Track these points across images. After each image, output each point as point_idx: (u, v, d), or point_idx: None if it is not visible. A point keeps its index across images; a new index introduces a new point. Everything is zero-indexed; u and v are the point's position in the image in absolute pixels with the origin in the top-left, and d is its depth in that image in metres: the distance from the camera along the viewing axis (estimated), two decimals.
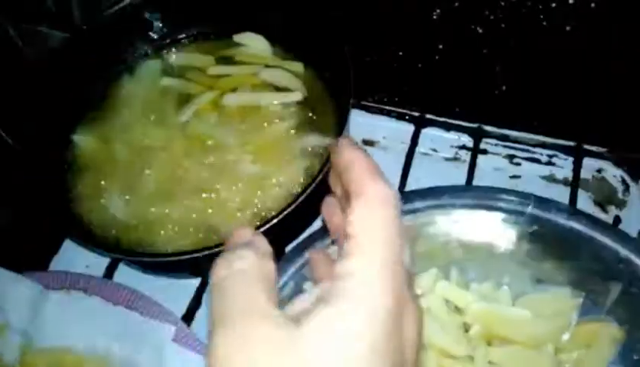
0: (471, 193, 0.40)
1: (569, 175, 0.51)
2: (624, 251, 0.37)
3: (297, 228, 0.48)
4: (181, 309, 0.49)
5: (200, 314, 0.49)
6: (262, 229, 0.42)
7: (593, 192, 0.51)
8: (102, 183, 0.52)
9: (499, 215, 0.40)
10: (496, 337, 0.39)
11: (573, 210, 0.38)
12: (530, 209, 0.39)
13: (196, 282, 0.50)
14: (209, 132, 0.53)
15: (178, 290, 0.50)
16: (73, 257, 0.54)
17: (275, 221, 0.42)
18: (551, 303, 0.40)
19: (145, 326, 0.45)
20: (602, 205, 0.50)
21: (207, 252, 0.42)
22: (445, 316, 0.40)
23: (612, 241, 0.37)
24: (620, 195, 0.51)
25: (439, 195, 0.41)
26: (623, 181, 0.51)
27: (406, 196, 0.41)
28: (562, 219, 0.38)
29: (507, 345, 0.39)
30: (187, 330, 0.45)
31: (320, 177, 0.44)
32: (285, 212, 0.42)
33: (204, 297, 0.49)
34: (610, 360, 0.38)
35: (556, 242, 0.39)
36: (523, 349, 0.38)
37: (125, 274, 0.51)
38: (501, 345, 0.39)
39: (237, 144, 0.52)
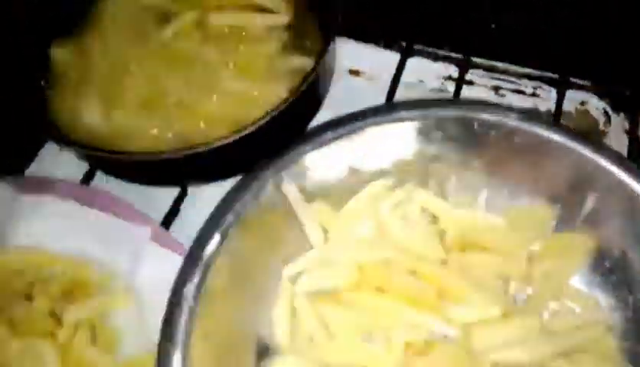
0: (455, 106, 0.41)
1: (552, 107, 0.51)
2: (602, 161, 0.37)
3: (275, 141, 0.48)
4: (158, 217, 0.49)
5: (178, 223, 0.49)
6: (236, 138, 0.42)
7: (575, 124, 0.51)
8: (80, 96, 0.51)
9: (479, 129, 0.40)
10: (470, 244, 0.40)
11: (553, 122, 0.39)
12: (511, 121, 0.39)
13: (174, 192, 0.50)
14: (191, 49, 0.52)
15: (156, 199, 0.50)
16: (49, 167, 0.54)
17: (248, 131, 0.42)
18: (527, 214, 0.40)
19: (121, 227, 0.45)
20: None
21: (185, 153, 0.42)
22: (421, 222, 0.40)
23: (590, 152, 0.38)
24: (601, 126, 0.51)
25: (425, 106, 0.41)
26: (605, 113, 0.52)
27: (393, 105, 0.41)
28: (542, 130, 0.38)
29: (481, 252, 0.40)
30: (164, 231, 0.45)
31: (298, 95, 0.43)
32: (260, 123, 0.42)
33: (182, 206, 0.50)
34: (581, 269, 0.39)
35: (536, 154, 0.39)
36: (496, 256, 0.39)
37: (103, 180, 0.51)
38: (474, 253, 0.40)
39: (220, 62, 0.51)
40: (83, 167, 0.52)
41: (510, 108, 0.39)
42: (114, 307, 0.43)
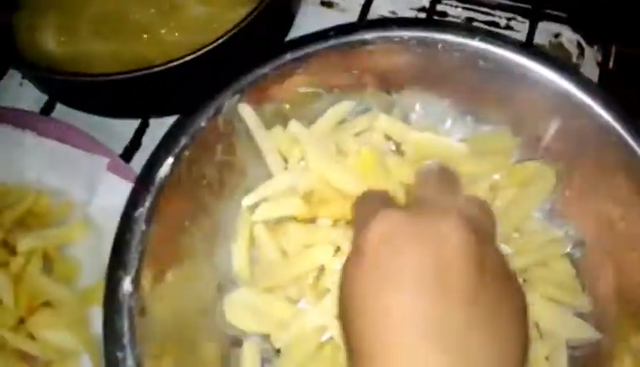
0: (419, 26, 0.39)
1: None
2: (566, 84, 0.36)
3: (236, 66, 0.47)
4: (118, 149, 0.47)
5: (139, 157, 0.47)
6: (194, 57, 0.41)
7: None
8: (40, 20, 0.49)
9: (443, 51, 0.39)
10: None
11: (519, 44, 0.37)
12: (476, 42, 0.38)
13: (135, 123, 0.49)
14: None
15: (118, 132, 0.48)
16: (10, 98, 0.52)
17: (206, 50, 0.41)
18: (490, 142, 0.40)
19: (77, 157, 0.44)
20: None
21: (142, 73, 0.40)
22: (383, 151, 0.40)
23: (556, 75, 0.36)
24: (575, 59, 0.50)
25: (387, 26, 0.39)
26: (579, 45, 0.50)
27: (354, 25, 0.39)
28: (508, 53, 0.37)
29: None
30: (122, 162, 0.44)
31: (257, 14, 0.43)
32: (218, 43, 0.41)
33: (144, 139, 0.48)
34: (543, 200, 0.39)
35: (500, 78, 0.38)
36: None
37: (63, 113, 0.49)
38: None
39: None
40: (44, 98, 0.51)
41: (475, 29, 0.38)
42: (71, 238, 0.42)
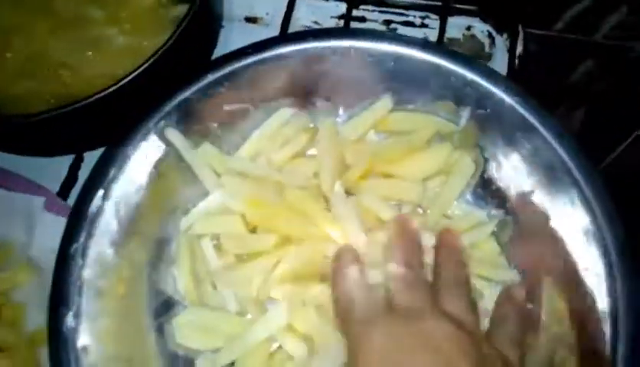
0: (332, 35, 0.41)
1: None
2: (471, 75, 0.38)
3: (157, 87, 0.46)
4: (54, 187, 0.47)
5: (76, 191, 0.47)
6: (111, 89, 0.41)
7: (464, 49, 0.53)
8: None
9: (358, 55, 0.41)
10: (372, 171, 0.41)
11: (424, 43, 0.40)
12: (386, 46, 0.40)
13: (69, 159, 0.49)
14: (73, 8, 0.50)
15: (52, 169, 0.48)
16: None
17: (127, 79, 0.41)
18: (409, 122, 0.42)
19: (12, 199, 0.44)
20: None
21: (69, 108, 0.40)
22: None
23: (460, 68, 0.39)
24: (487, 49, 0.53)
25: (304, 38, 0.40)
26: (490, 35, 0.53)
27: (272, 40, 0.41)
28: (414, 52, 0.39)
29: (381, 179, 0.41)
30: (58, 200, 0.44)
31: (172, 43, 0.43)
32: (135, 74, 0.41)
33: (80, 173, 0.48)
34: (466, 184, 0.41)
35: (411, 74, 0.40)
36: (395, 183, 0.40)
37: None
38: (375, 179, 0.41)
39: (104, 17, 0.50)
40: None
41: (381, 34, 0.40)
42: (16, 282, 0.42)
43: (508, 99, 0.37)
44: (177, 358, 0.38)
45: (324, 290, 0.37)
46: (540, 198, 0.37)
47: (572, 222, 0.36)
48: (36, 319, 0.41)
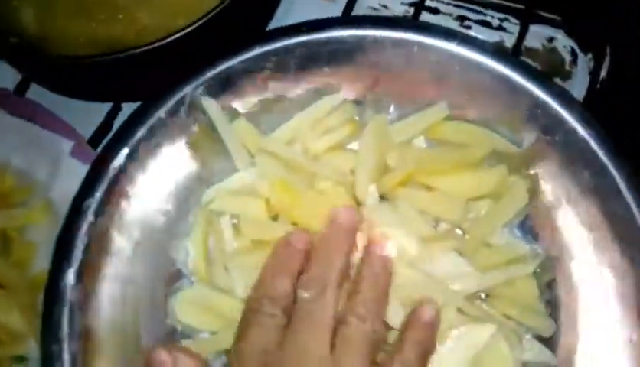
0: (395, 27, 0.37)
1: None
2: (544, 96, 0.34)
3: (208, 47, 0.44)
4: (88, 133, 0.46)
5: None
6: (164, 42, 0.39)
7: (540, 62, 0.48)
8: None
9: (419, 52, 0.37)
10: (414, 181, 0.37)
11: (497, 51, 0.35)
12: (454, 48, 0.36)
13: (107, 107, 0.47)
14: None
15: (90, 114, 0.47)
16: None
17: (177, 36, 0.39)
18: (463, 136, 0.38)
19: (42, 138, 0.43)
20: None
21: (117, 55, 0.39)
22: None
23: (533, 86, 0.34)
24: (567, 66, 0.48)
25: (361, 25, 0.37)
26: (572, 52, 0.48)
27: (328, 21, 0.38)
28: (486, 60, 0.35)
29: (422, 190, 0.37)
30: (86, 146, 0.43)
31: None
32: (191, 29, 0.39)
33: (115, 122, 0.47)
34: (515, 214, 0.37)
35: (477, 85, 0.36)
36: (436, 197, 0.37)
37: (37, 94, 0.48)
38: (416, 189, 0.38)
39: None
40: (18, 77, 0.49)
41: (453, 32, 0.36)
42: (31, 221, 0.41)
43: (582, 132, 0.33)
44: (174, 332, 0.36)
45: None
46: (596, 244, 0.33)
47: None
48: (43, 261, 0.40)
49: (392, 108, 0.39)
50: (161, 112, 0.35)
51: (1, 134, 0.44)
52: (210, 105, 0.37)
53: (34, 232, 0.41)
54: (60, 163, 0.42)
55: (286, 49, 0.37)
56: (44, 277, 0.38)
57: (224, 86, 0.37)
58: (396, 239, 0.35)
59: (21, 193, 0.42)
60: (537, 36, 0.48)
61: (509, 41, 0.49)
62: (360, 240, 0.34)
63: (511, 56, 0.35)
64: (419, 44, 0.36)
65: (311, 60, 0.38)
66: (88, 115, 0.47)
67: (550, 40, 0.48)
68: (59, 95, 0.48)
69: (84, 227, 0.33)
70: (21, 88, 0.49)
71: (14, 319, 0.38)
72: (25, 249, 0.40)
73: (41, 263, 0.40)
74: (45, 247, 0.40)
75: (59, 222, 0.40)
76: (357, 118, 0.40)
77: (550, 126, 0.35)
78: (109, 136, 0.36)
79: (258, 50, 0.37)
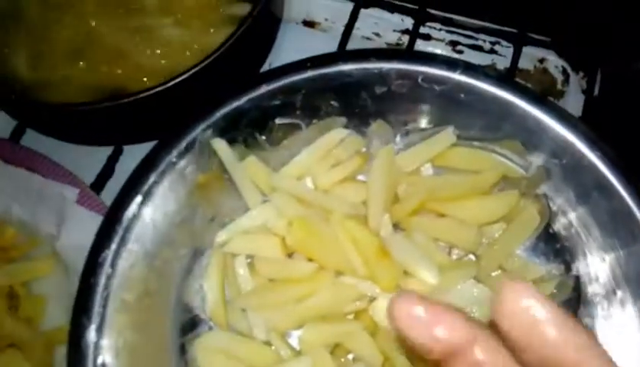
0: (399, 58, 0.38)
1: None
2: (550, 121, 0.35)
3: (213, 92, 0.45)
4: (90, 177, 0.46)
5: (112, 183, 0.46)
6: (167, 86, 0.39)
7: (533, 83, 0.49)
8: (8, 43, 0.48)
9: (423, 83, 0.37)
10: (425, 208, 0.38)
11: (501, 77, 0.36)
12: (457, 75, 0.37)
13: (108, 150, 0.47)
14: None
15: (89, 159, 0.47)
16: None
17: (178, 80, 0.39)
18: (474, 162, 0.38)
19: (46, 187, 0.42)
20: None
21: (117, 102, 0.39)
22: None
23: (540, 111, 0.35)
24: (559, 86, 0.49)
25: (366, 57, 0.38)
26: (564, 71, 0.49)
27: (332, 56, 0.38)
28: (489, 86, 0.36)
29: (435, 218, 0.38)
30: (91, 193, 0.42)
31: (232, 42, 0.41)
32: (192, 72, 0.40)
33: (117, 166, 0.47)
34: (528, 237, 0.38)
35: (481, 111, 0.37)
36: (449, 223, 0.37)
37: (34, 140, 0.47)
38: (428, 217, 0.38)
39: (158, 8, 0.48)
40: (13, 123, 0.49)
41: (456, 61, 0.37)
42: (38, 274, 0.40)
43: (589, 154, 0.34)
44: None
45: (351, 328, 0.35)
46: (612, 266, 0.34)
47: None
48: (55, 315, 0.40)
49: (398, 138, 0.40)
50: (172, 156, 0.35)
51: (1, 185, 0.43)
52: (220, 145, 0.37)
53: (42, 285, 0.40)
54: (65, 212, 0.41)
55: (292, 85, 0.37)
56: (58, 332, 0.38)
57: (233, 126, 0.37)
58: (415, 270, 0.35)
59: (24, 246, 0.41)
60: (529, 57, 0.50)
61: (501, 64, 0.50)
62: None
63: (515, 82, 0.36)
64: (424, 74, 0.37)
65: (316, 95, 0.38)
66: (88, 159, 0.47)
67: (542, 61, 0.50)
68: (56, 140, 0.48)
69: (102, 281, 0.32)
70: (17, 134, 0.48)
71: None
72: (34, 304, 0.39)
73: (53, 317, 0.39)
74: (55, 300, 0.40)
75: (68, 272, 0.40)
76: (364, 149, 0.40)
77: (556, 150, 0.35)
78: (118, 184, 0.35)
79: (265, 89, 0.37)
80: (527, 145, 0.36)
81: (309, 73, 0.37)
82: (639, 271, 0.34)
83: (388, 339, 0.35)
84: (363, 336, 0.35)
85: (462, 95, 0.37)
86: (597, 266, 0.35)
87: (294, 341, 0.37)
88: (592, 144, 0.34)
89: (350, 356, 0.36)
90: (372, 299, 0.36)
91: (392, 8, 0.52)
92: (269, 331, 0.36)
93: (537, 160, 0.36)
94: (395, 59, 0.37)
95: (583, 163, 0.34)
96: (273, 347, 0.36)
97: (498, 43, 0.50)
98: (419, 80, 0.37)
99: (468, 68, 0.36)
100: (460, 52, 0.51)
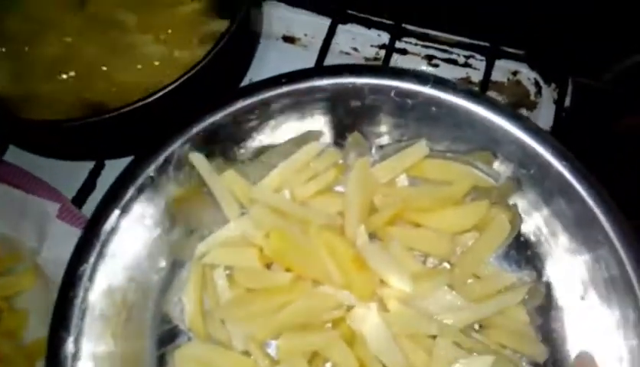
0: (372, 73, 0.39)
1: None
2: (518, 133, 0.36)
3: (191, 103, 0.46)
4: (72, 192, 0.46)
5: (94, 197, 0.46)
6: (148, 101, 0.40)
7: (507, 95, 0.51)
8: None
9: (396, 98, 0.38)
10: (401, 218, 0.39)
11: (470, 91, 0.37)
12: (428, 89, 0.38)
13: (90, 165, 0.48)
14: (109, 11, 0.49)
15: (71, 173, 0.47)
16: None
17: (156, 96, 0.40)
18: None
19: (27, 202, 0.42)
20: (513, 107, 0.50)
21: (89, 119, 0.40)
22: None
23: (507, 123, 0.36)
24: (532, 97, 0.50)
25: (339, 73, 0.39)
26: (536, 83, 0.51)
27: (307, 72, 0.39)
28: (459, 100, 0.37)
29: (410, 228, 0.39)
30: (72, 207, 0.43)
31: (210, 59, 0.42)
32: (170, 88, 0.41)
33: (99, 180, 0.47)
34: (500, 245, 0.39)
35: (452, 124, 0.38)
36: (424, 233, 0.38)
37: (15, 155, 0.48)
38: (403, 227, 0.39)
39: (138, 25, 0.49)
40: None
41: (425, 76, 0.38)
42: (20, 288, 0.41)
43: (556, 164, 0.35)
44: None
45: (328, 337, 0.36)
46: (580, 272, 0.35)
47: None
48: (37, 329, 0.40)
49: (374, 150, 0.41)
50: (150, 170, 0.36)
51: None
52: (198, 159, 0.37)
53: (23, 300, 0.40)
54: (46, 226, 0.42)
55: (268, 100, 0.38)
56: (40, 345, 0.38)
57: (210, 140, 0.38)
58: (390, 279, 0.36)
59: (7, 261, 0.41)
60: (502, 70, 0.51)
61: (475, 77, 0.52)
62: None
63: (483, 95, 0.37)
64: (396, 89, 0.38)
65: (292, 109, 0.39)
66: (70, 174, 0.48)
67: (515, 73, 0.51)
68: (38, 156, 0.48)
69: (80, 294, 0.32)
70: None
71: None
72: (16, 318, 0.40)
73: (34, 330, 0.40)
74: (36, 313, 0.40)
75: (49, 286, 0.40)
76: (340, 161, 0.41)
77: (524, 160, 0.37)
78: (100, 198, 0.36)
79: (241, 104, 0.38)
80: (496, 156, 0.37)
81: (284, 89, 0.38)
82: (606, 276, 0.35)
83: (365, 347, 0.36)
84: (340, 345, 0.36)
85: (434, 109, 0.38)
86: (566, 272, 0.36)
87: (272, 350, 0.38)
88: (559, 153, 0.35)
89: (327, 365, 0.37)
90: (349, 308, 0.37)
91: (369, 24, 0.54)
92: (248, 341, 0.36)
93: (506, 170, 0.37)
94: (368, 74, 0.38)
95: (550, 172, 0.35)
96: (252, 357, 0.36)
97: (472, 56, 0.52)
98: (392, 94, 0.38)
99: (439, 82, 0.37)
100: (436, 66, 0.53)
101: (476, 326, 0.37)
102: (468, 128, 0.37)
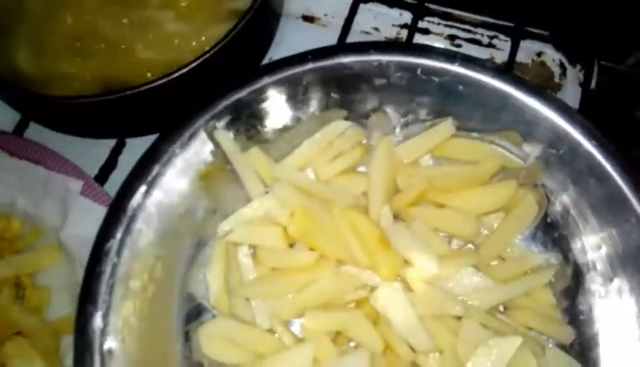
0: (398, 51, 0.38)
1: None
2: (547, 112, 0.36)
3: (213, 85, 0.45)
4: (94, 170, 0.46)
5: (115, 176, 0.46)
6: (169, 79, 0.40)
7: (531, 76, 0.50)
8: (11, 37, 0.48)
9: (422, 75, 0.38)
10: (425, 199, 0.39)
11: (498, 69, 0.37)
12: (455, 67, 0.37)
13: (111, 143, 0.47)
14: None
15: (93, 151, 0.47)
16: None
17: (179, 73, 0.40)
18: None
19: (50, 179, 0.42)
20: None
21: (119, 94, 0.40)
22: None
23: (537, 103, 0.36)
24: (557, 79, 0.50)
25: (365, 50, 0.38)
26: (561, 65, 0.50)
27: (332, 49, 0.39)
28: (487, 78, 0.37)
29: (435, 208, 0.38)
30: (95, 185, 0.43)
31: (233, 36, 0.41)
32: (192, 66, 0.40)
33: (120, 158, 0.47)
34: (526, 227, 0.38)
35: (480, 103, 0.37)
36: (449, 214, 0.38)
37: (37, 133, 0.48)
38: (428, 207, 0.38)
39: (160, 2, 0.48)
40: (17, 117, 0.50)
41: (454, 54, 0.37)
42: (43, 265, 0.41)
43: (586, 144, 0.34)
44: None
45: (352, 317, 0.36)
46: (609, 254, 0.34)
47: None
48: (60, 305, 0.40)
49: (398, 130, 0.41)
50: (175, 147, 0.36)
51: (5, 177, 0.43)
52: (223, 136, 0.37)
53: (47, 276, 0.40)
54: (69, 203, 0.42)
55: (294, 77, 0.38)
56: (64, 321, 0.38)
57: (235, 117, 0.38)
58: (415, 259, 0.36)
59: (29, 237, 0.42)
60: (527, 51, 0.50)
61: (499, 58, 0.51)
62: None
63: (512, 73, 0.37)
64: (422, 66, 0.37)
65: (317, 86, 0.39)
66: (91, 151, 0.47)
67: (539, 54, 0.50)
68: (59, 133, 0.48)
69: (108, 269, 0.32)
70: (21, 127, 0.48)
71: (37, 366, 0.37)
72: (39, 294, 0.40)
73: (59, 307, 0.40)
74: (60, 290, 0.40)
75: (72, 262, 0.40)
76: (364, 141, 0.41)
77: (554, 140, 0.36)
78: (121, 176, 0.36)
79: (266, 81, 0.37)
80: (525, 136, 0.37)
81: (310, 66, 0.38)
82: (636, 259, 0.35)
83: (388, 328, 0.36)
84: (364, 324, 0.36)
85: (461, 87, 0.37)
86: (594, 254, 0.36)
87: (296, 329, 0.38)
88: (588, 133, 0.34)
89: (351, 344, 0.37)
90: (373, 288, 0.36)
91: (391, 3, 0.53)
92: (272, 319, 0.36)
93: (534, 150, 0.37)
94: (394, 51, 0.38)
95: (579, 152, 0.35)
96: (276, 335, 0.37)
97: (496, 37, 0.51)
98: (418, 72, 0.38)
99: (466, 60, 0.37)
100: (458, 46, 0.52)
101: (501, 308, 0.37)
102: (495, 108, 0.37)
